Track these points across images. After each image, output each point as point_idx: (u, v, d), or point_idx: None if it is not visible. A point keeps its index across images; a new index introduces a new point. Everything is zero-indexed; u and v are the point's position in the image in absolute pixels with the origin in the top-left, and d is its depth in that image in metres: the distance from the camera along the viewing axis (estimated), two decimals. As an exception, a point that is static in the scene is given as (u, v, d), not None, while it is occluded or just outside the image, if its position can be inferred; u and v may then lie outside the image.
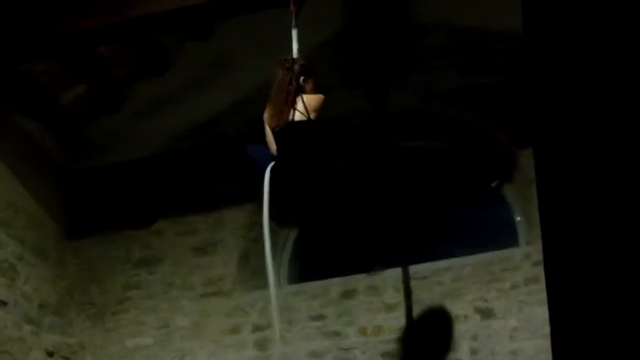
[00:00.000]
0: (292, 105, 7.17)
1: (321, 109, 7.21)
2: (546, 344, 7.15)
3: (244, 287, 9.72)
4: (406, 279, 9.26)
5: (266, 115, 7.32)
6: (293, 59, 7.38)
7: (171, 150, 10.38)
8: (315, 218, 7.31)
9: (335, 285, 9.48)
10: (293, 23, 7.81)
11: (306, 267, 9.99)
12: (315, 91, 7.29)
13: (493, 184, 9.80)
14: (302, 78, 7.29)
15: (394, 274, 9.37)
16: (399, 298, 9.24)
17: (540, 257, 6.78)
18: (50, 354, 9.67)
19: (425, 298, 9.16)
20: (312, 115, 7.14)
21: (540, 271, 7.93)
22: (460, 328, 8.96)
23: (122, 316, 9.94)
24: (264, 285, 9.71)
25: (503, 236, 9.52)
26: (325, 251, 10.09)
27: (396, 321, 9.16)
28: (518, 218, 9.61)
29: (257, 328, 9.48)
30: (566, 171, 2.86)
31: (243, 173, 10.02)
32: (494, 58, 9.62)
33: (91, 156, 10.56)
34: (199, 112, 10.27)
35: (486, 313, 8.96)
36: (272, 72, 7.47)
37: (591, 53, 2.90)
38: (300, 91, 7.25)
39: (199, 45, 10.13)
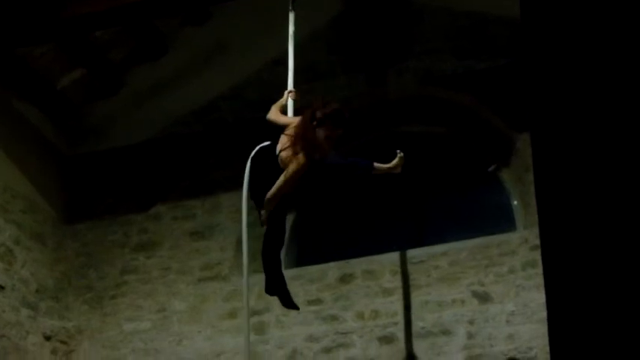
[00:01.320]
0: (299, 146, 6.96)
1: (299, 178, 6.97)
2: (543, 329, 7.17)
3: (241, 272, 9.71)
4: (403, 263, 9.27)
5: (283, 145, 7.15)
6: (326, 102, 7.08)
7: (169, 135, 10.38)
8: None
9: (332, 269, 9.49)
10: (290, 6, 7.81)
11: (304, 251, 10.00)
12: (329, 143, 6.96)
13: (490, 169, 9.80)
14: (327, 122, 6.94)
15: (391, 258, 9.38)
16: (396, 282, 9.25)
17: (537, 242, 6.79)
18: (47, 338, 9.69)
19: (422, 282, 9.17)
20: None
21: (537, 256, 7.95)
22: (457, 313, 8.98)
23: (119, 300, 9.95)
24: (262, 269, 9.76)
25: (500, 221, 9.52)
26: (323, 236, 10.09)
27: (393, 305, 9.18)
28: (516, 202, 9.62)
29: (254, 313, 9.47)
30: (564, 155, 2.86)
31: (240, 158, 10.04)
32: (493, 42, 9.63)
33: (89, 140, 10.56)
34: (197, 96, 10.27)
35: (483, 298, 8.97)
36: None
37: (590, 38, 2.90)
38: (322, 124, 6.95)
39: (196, 30, 10.12)
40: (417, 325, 9.06)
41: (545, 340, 3.03)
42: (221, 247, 9.90)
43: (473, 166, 9.94)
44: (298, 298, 9.41)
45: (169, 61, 10.24)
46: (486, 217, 9.60)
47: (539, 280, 7.74)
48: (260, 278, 9.51)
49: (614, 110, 2.82)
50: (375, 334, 9.14)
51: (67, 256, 10.22)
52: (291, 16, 7.78)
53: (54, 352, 9.72)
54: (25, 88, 9.86)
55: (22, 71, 9.70)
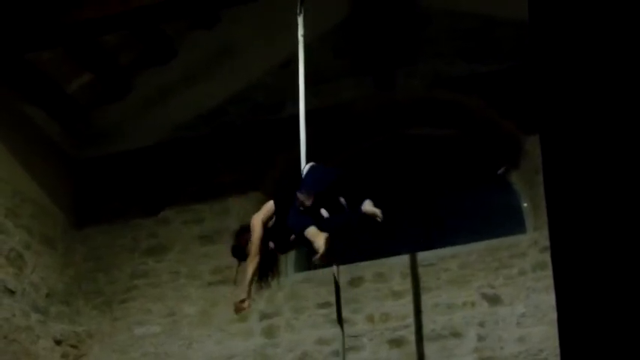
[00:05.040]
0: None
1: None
2: (553, 331, 7.16)
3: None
4: (413, 266, 9.26)
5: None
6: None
7: (177, 138, 10.38)
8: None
9: (342, 272, 9.45)
10: (298, 10, 7.81)
11: (314, 254, 9.96)
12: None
13: (500, 171, 9.79)
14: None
15: (401, 261, 9.37)
16: (406, 285, 9.25)
17: (547, 243, 6.80)
18: (58, 342, 9.70)
19: (432, 285, 9.16)
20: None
21: (547, 258, 7.94)
22: (467, 315, 8.97)
23: (129, 304, 9.96)
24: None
25: (510, 223, 9.51)
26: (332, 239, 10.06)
27: (403, 308, 9.17)
28: (525, 205, 9.61)
29: (264, 316, 9.49)
30: (573, 157, 2.86)
31: (248, 161, 10.05)
32: (501, 44, 9.62)
33: (98, 145, 10.57)
34: (205, 100, 10.28)
35: (493, 300, 8.96)
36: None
37: (598, 40, 2.89)
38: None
39: (204, 33, 10.13)
40: (427, 327, 9.06)
41: (556, 342, 3.01)
42: (230, 251, 9.89)
43: (482, 169, 9.93)
44: (308, 301, 9.45)
45: (177, 65, 10.24)
46: (496, 219, 9.58)
47: (549, 282, 7.71)
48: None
49: (622, 112, 2.81)
50: (386, 337, 9.13)
51: (77, 260, 10.23)
52: (300, 20, 7.78)
53: (64, 356, 9.73)
54: (33, 93, 9.87)
55: (30, 76, 9.71)
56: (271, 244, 7.21)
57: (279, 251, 7.36)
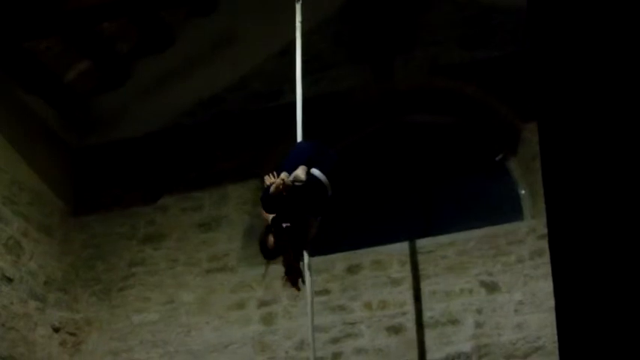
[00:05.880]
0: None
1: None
2: (551, 318, 7.17)
3: (249, 263, 9.72)
4: (411, 253, 9.26)
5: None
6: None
7: (176, 126, 10.38)
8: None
9: (340, 260, 9.49)
10: (297, -3, 7.83)
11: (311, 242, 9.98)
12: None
13: (498, 158, 9.79)
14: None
15: (399, 248, 9.37)
16: (404, 272, 9.25)
17: (545, 231, 6.81)
18: (56, 330, 9.71)
19: (430, 272, 9.17)
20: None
21: (545, 245, 7.93)
22: (465, 302, 8.97)
23: (127, 292, 9.96)
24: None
25: (508, 210, 9.51)
26: (330, 226, 10.08)
27: (401, 295, 9.17)
28: (523, 192, 9.60)
29: (262, 304, 9.49)
30: (571, 144, 2.86)
31: (247, 149, 10.04)
32: (499, 31, 9.61)
33: (96, 132, 10.57)
34: (203, 88, 10.27)
35: (491, 287, 8.96)
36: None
37: (597, 27, 2.89)
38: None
39: (203, 21, 10.12)
40: (425, 314, 9.06)
41: (554, 330, 3.02)
42: (228, 238, 9.90)
43: (480, 156, 9.93)
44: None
45: (175, 53, 10.23)
46: (494, 206, 9.58)
47: (547, 269, 7.72)
48: (268, 269, 9.55)
49: (621, 99, 2.81)
50: (383, 324, 9.13)
51: (75, 248, 10.23)
52: (298, 7, 7.79)
53: (62, 343, 9.74)
54: (31, 81, 9.86)
55: (28, 64, 9.70)
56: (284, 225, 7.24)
57: (300, 245, 7.44)
